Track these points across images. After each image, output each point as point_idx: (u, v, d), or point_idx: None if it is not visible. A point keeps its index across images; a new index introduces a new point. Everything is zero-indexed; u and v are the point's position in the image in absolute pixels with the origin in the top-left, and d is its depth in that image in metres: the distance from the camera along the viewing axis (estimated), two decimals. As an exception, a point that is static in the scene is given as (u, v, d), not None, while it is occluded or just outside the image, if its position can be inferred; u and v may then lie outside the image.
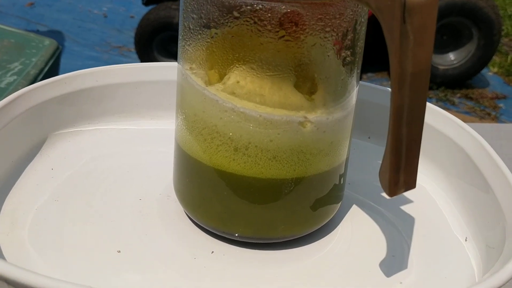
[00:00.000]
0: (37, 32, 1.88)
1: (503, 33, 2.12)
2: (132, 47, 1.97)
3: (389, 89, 0.37)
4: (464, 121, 0.34)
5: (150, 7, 1.83)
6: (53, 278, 0.20)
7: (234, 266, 0.27)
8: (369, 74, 1.98)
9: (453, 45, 1.95)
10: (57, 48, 1.09)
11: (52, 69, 1.02)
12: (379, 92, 0.37)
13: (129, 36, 2.10)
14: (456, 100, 1.95)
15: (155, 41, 1.77)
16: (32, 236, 0.27)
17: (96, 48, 2.02)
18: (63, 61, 1.08)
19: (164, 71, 0.38)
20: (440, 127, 0.34)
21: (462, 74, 1.95)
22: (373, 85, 0.38)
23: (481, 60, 1.93)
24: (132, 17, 2.28)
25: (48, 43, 1.08)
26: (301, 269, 0.27)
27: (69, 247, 0.27)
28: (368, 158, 0.37)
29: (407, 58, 0.19)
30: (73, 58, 1.82)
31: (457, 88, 2.00)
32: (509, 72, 2.17)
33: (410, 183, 0.21)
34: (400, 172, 0.21)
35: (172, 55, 1.77)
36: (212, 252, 0.27)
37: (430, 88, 1.98)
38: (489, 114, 1.89)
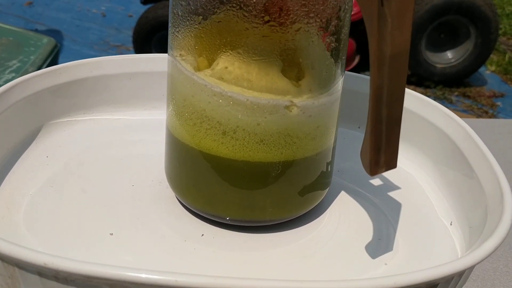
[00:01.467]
0: (36, 31, 1.89)
1: (500, 31, 2.13)
2: (130, 46, 1.98)
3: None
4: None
5: (148, 6, 1.84)
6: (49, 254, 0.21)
7: (223, 248, 0.28)
8: (367, 73, 1.98)
9: (451, 44, 1.95)
10: (55, 46, 1.10)
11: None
12: (368, 82, 0.38)
13: (128, 35, 2.11)
14: (453, 98, 1.96)
15: (154, 40, 1.78)
16: (27, 220, 0.28)
17: (95, 47, 2.03)
18: (61, 60, 1.08)
19: (157, 62, 0.39)
20: (427, 116, 0.35)
21: (459, 73, 1.96)
22: (362, 75, 0.39)
23: (479, 59, 1.94)
24: (130, 16, 2.28)
25: (46, 41, 1.08)
26: (290, 251, 0.28)
27: (64, 230, 0.28)
28: (357, 147, 0.37)
29: (386, 40, 0.19)
30: (72, 57, 1.82)
31: (454, 86, 2.01)
32: (507, 70, 2.18)
33: (391, 163, 0.22)
34: (381, 152, 0.21)
35: (170, 54, 1.77)
36: (202, 235, 0.28)
37: (428, 87, 1.99)
38: (486, 112, 1.90)
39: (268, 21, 0.23)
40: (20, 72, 0.96)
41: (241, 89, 0.25)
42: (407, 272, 0.21)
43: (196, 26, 0.24)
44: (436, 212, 0.32)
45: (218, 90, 0.25)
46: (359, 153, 0.37)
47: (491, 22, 1.88)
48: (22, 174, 0.31)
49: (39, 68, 0.99)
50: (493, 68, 2.19)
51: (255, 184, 0.27)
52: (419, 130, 0.35)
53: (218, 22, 0.23)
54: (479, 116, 1.88)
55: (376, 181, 0.34)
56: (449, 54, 1.97)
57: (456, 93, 1.99)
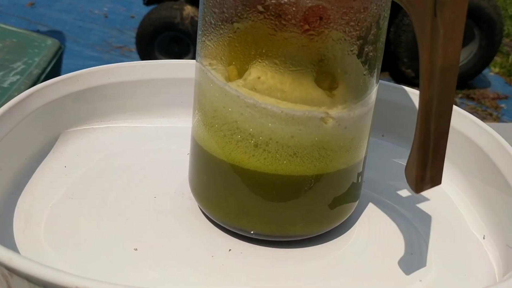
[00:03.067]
0: (38, 32, 1.88)
1: (504, 33, 2.12)
2: (133, 47, 1.97)
3: (403, 87, 0.37)
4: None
5: (151, 7, 1.83)
6: (72, 274, 0.20)
7: (251, 264, 0.27)
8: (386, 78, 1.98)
9: (455, 45, 1.94)
10: (59, 48, 1.09)
11: (54, 69, 1.02)
12: (393, 90, 0.37)
13: (130, 36, 2.10)
14: (457, 100, 1.95)
15: (157, 41, 1.77)
16: (48, 233, 0.27)
17: (97, 48, 2.01)
18: (64, 61, 1.07)
19: (176, 68, 0.38)
20: (457, 126, 0.34)
21: (464, 74, 1.95)
22: (386, 82, 0.38)
23: (483, 60, 1.93)
24: (132, 17, 2.27)
25: (51, 43, 1.07)
26: (319, 267, 0.27)
27: (86, 244, 0.27)
28: (382, 156, 0.36)
29: (437, 52, 0.18)
30: (74, 58, 1.82)
31: (458, 88, 2.00)
32: (511, 72, 2.17)
33: (436, 179, 0.21)
34: (427, 168, 0.20)
35: (173, 55, 1.77)
36: (230, 250, 0.27)
37: (432, 89, 1.98)
38: (490, 115, 1.90)
39: (307, 30, 0.22)
40: (25, 74, 0.95)
41: (275, 100, 0.24)
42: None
43: (231, 35, 0.23)
44: (467, 225, 0.31)
45: (251, 101, 0.24)
46: (385, 162, 0.36)
47: (495, 23, 1.87)
48: (41, 185, 0.30)
49: (44, 69, 0.98)
50: (496, 69, 2.18)
51: (285, 198, 0.26)
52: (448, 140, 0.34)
53: (255, 31, 0.22)
54: (483, 118, 1.88)
55: (403, 192, 0.33)
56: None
57: (460, 95, 1.98)
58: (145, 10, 1.87)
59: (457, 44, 0.18)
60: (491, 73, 2.16)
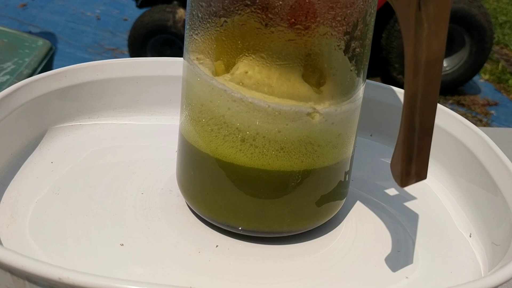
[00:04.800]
0: (30, 33, 1.87)
1: (494, 41, 2.14)
2: (125, 50, 1.96)
3: (392, 87, 0.37)
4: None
5: (144, 10, 1.82)
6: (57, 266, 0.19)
7: (238, 260, 0.27)
8: (377, 78, 1.99)
9: (446, 52, 1.95)
10: (51, 49, 1.08)
11: (45, 69, 1.01)
12: (381, 90, 0.37)
13: (122, 38, 2.09)
14: (448, 106, 1.96)
15: (149, 44, 1.76)
16: (33, 229, 0.27)
17: (89, 50, 2.01)
18: (55, 63, 1.07)
19: (165, 66, 0.38)
20: (444, 125, 0.34)
21: (454, 81, 1.97)
22: (375, 82, 0.38)
23: (473, 67, 1.95)
24: (125, 19, 2.27)
25: (42, 44, 1.07)
26: (306, 264, 0.27)
27: (71, 240, 0.26)
28: (370, 155, 0.37)
29: (421, 46, 0.18)
30: (66, 59, 1.81)
31: (449, 94, 2.01)
32: (500, 79, 2.19)
33: (422, 174, 0.21)
34: (412, 163, 0.20)
35: (165, 58, 1.76)
36: (217, 246, 0.27)
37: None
38: (480, 121, 1.91)
39: (294, 25, 0.22)
40: (15, 74, 0.95)
41: (262, 95, 0.24)
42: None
43: (218, 29, 0.23)
44: (454, 223, 0.31)
45: (238, 95, 0.24)
46: (372, 161, 0.36)
47: (485, 31, 1.89)
48: (27, 181, 0.30)
49: (34, 70, 0.97)
50: (486, 76, 2.20)
51: (273, 193, 0.26)
52: (435, 139, 0.34)
53: (242, 24, 0.22)
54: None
55: (391, 191, 0.33)
56: (444, 62, 1.97)
57: (450, 101, 2.00)
58: (137, 12, 1.87)
59: (441, 38, 0.18)
60: (481, 79, 2.18)
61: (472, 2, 1.87)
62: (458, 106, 1.98)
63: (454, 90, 2.02)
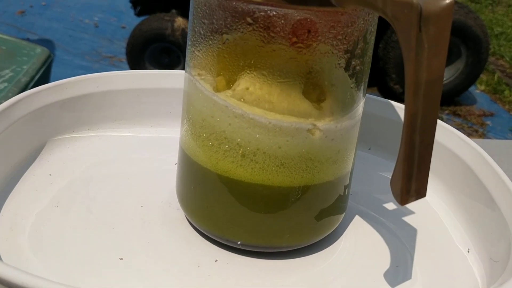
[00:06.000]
0: (28, 40, 1.87)
1: (490, 52, 2.16)
2: (123, 57, 1.96)
3: (390, 102, 0.38)
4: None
5: (142, 18, 1.83)
6: (55, 282, 0.19)
7: (238, 275, 0.27)
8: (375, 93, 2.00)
9: (442, 62, 1.97)
10: (49, 56, 1.08)
11: (43, 77, 1.01)
12: (380, 104, 0.38)
13: (120, 46, 2.10)
14: (444, 116, 1.97)
15: (147, 52, 1.77)
16: (32, 242, 0.27)
17: (87, 58, 2.01)
18: (53, 70, 1.07)
19: (165, 79, 0.38)
20: (443, 140, 0.34)
21: (450, 91, 1.98)
22: (374, 96, 0.38)
23: (469, 78, 1.96)
24: (123, 27, 2.27)
25: (40, 51, 1.07)
26: (306, 279, 0.27)
27: (70, 253, 0.26)
28: (369, 169, 0.37)
29: (422, 66, 0.19)
30: (63, 67, 1.81)
31: (445, 105, 2.02)
32: (496, 90, 2.20)
33: (421, 192, 0.21)
34: (412, 181, 0.21)
35: (163, 66, 1.77)
36: (216, 260, 0.27)
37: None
38: (476, 131, 1.92)
39: (296, 43, 0.22)
40: (13, 81, 0.95)
41: (263, 111, 0.24)
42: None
43: (220, 46, 0.23)
44: (452, 238, 0.31)
45: (239, 111, 0.24)
46: (371, 175, 0.36)
47: (481, 42, 1.90)
48: (26, 193, 0.30)
49: (32, 78, 0.97)
50: (482, 87, 2.21)
51: (272, 209, 0.26)
52: (433, 154, 0.35)
53: (243, 42, 0.23)
54: (469, 135, 1.90)
55: (390, 205, 0.34)
56: (440, 73, 1.98)
57: (446, 112, 2.01)
58: (136, 20, 1.88)
59: (441, 58, 0.19)
60: (477, 90, 2.20)
61: (468, 13, 1.88)
62: (454, 117, 1.99)
63: (450, 101, 2.03)
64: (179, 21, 1.72)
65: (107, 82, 0.37)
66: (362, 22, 0.23)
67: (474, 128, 1.94)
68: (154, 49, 1.76)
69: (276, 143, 0.24)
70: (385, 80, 1.91)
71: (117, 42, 2.16)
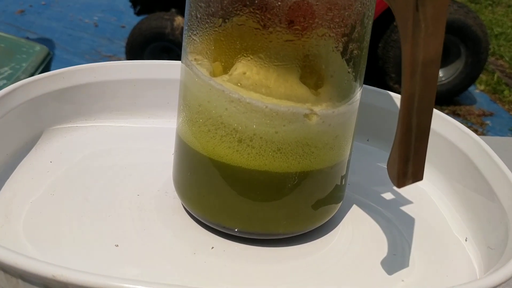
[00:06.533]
0: (27, 39, 1.87)
1: (489, 52, 2.15)
2: (122, 57, 1.96)
3: (388, 92, 0.38)
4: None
5: (141, 17, 1.83)
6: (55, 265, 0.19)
7: (234, 262, 0.26)
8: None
9: (442, 62, 1.97)
10: (48, 54, 1.08)
11: (42, 75, 1.01)
12: (378, 95, 0.38)
13: (120, 45, 2.09)
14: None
15: (147, 51, 1.77)
16: (27, 229, 0.27)
17: (86, 57, 2.01)
18: (52, 68, 1.07)
19: (163, 69, 0.38)
20: (440, 130, 0.34)
21: (450, 91, 1.98)
22: (372, 87, 0.38)
23: (469, 78, 1.96)
24: (123, 27, 2.27)
25: (39, 49, 1.07)
26: (302, 266, 0.27)
27: (66, 241, 0.26)
28: (367, 159, 0.37)
29: (419, 47, 0.19)
30: (63, 66, 1.79)
31: (444, 104, 2.02)
32: (495, 90, 2.20)
33: (418, 175, 0.21)
34: (409, 163, 0.20)
35: (163, 65, 1.76)
36: (212, 247, 0.27)
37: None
38: (476, 131, 1.92)
39: (292, 26, 0.22)
40: (11, 79, 0.94)
41: (259, 96, 0.24)
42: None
43: (216, 29, 0.23)
44: (450, 227, 0.31)
45: (236, 96, 0.24)
46: (369, 166, 0.36)
47: (481, 42, 1.90)
48: (22, 181, 0.30)
49: (31, 75, 0.97)
50: (482, 87, 2.21)
51: (269, 195, 0.26)
52: (430, 144, 0.35)
53: (240, 25, 0.22)
54: (468, 135, 1.89)
55: (387, 195, 0.33)
56: (439, 73, 1.98)
57: (446, 111, 2.01)
58: (135, 20, 1.87)
59: (438, 39, 0.19)
60: (476, 90, 2.20)
61: (468, 13, 1.88)
62: (454, 116, 1.99)
63: (450, 100, 2.03)
64: (179, 20, 1.72)
65: (104, 72, 0.36)
66: (359, 5, 0.23)
67: (473, 128, 1.94)
68: (154, 48, 1.76)
69: (273, 127, 0.24)
70: (384, 79, 1.91)
71: (117, 41, 2.16)
